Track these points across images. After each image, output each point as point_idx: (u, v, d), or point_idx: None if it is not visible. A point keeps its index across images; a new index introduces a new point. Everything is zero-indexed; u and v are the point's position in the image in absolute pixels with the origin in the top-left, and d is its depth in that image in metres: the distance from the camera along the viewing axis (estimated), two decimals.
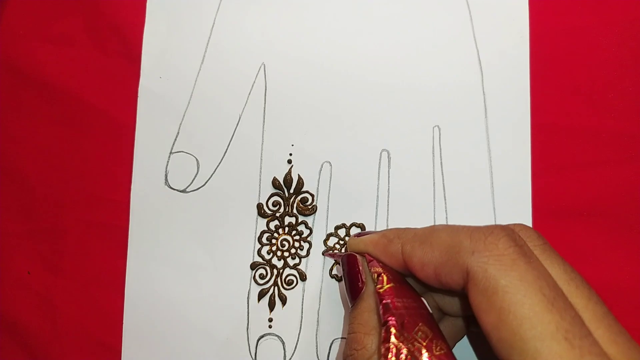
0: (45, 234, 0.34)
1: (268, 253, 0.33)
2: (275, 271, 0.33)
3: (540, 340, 0.19)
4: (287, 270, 0.33)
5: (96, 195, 0.34)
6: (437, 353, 0.22)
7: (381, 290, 0.25)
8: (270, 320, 0.33)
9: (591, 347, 0.19)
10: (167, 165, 0.34)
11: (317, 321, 0.32)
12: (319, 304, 0.33)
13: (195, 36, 0.35)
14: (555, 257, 0.23)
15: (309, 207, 0.33)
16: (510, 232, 0.23)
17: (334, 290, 0.33)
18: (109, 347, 0.33)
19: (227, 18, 0.35)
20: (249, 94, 0.34)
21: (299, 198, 0.33)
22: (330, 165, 0.34)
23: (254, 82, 0.34)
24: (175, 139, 0.34)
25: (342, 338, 0.32)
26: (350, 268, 0.28)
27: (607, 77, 0.34)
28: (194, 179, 0.34)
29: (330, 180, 0.33)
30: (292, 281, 0.33)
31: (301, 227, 0.33)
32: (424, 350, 0.22)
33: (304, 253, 0.33)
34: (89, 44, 0.35)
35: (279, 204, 0.33)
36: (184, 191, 0.34)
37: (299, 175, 0.33)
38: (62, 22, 0.35)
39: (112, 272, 0.34)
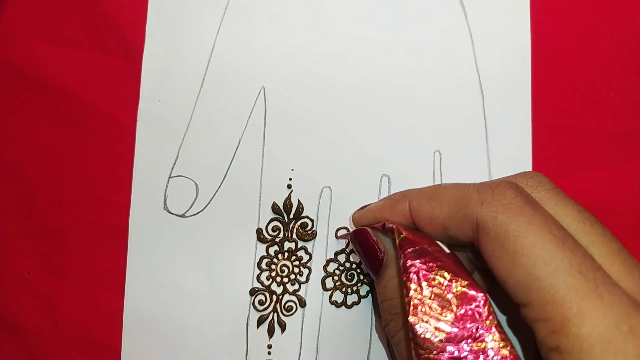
0: (45, 234, 0.34)
1: (267, 279, 0.33)
2: (274, 297, 0.33)
3: (555, 276, 0.20)
4: (287, 296, 0.33)
5: (96, 195, 0.34)
6: (458, 291, 0.23)
7: (397, 242, 0.25)
8: (270, 347, 0.32)
9: (604, 278, 0.20)
10: (166, 189, 0.34)
11: (317, 348, 0.32)
12: (319, 331, 0.32)
13: (194, 59, 0.34)
14: (567, 199, 0.24)
15: (309, 232, 0.33)
16: (514, 185, 0.24)
17: (334, 317, 0.33)
18: (109, 347, 0.33)
19: (227, 42, 0.34)
20: (249, 118, 0.34)
21: (298, 223, 0.33)
22: (331, 190, 0.33)
23: (254, 106, 0.34)
24: (175, 163, 0.34)
25: None
26: (364, 242, 0.28)
27: (607, 77, 0.34)
28: (193, 203, 0.33)
29: (330, 205, 0.33)
30: (292, 307, 0.33)
31: (301, 253, 0.33)
32: (445, 294, 0.23)
33: (303, 279, 0.33)
34: (89, 44, 0.35)
35: (279, 229, 0.33)
36: (182, 216, 0.33)
37: (298, 200, 0.33)
38: (62, 22, 0.35)
39: (112, 272, 0.33)
